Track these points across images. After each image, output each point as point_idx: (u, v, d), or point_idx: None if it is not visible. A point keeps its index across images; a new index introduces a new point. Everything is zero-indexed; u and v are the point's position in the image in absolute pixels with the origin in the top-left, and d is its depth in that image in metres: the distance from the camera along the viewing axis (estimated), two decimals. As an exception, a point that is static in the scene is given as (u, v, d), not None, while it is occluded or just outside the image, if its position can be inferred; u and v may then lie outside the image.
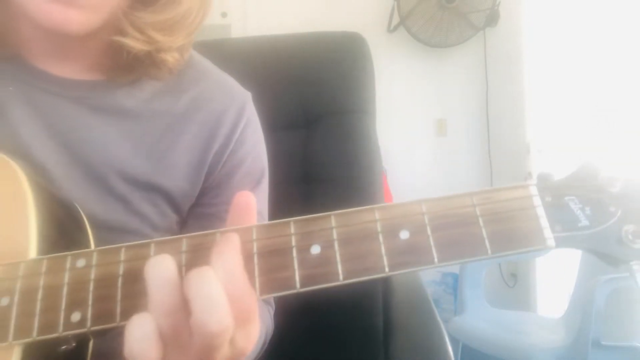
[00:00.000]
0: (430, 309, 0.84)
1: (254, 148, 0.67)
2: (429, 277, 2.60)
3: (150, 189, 0.60)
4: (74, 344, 0.40)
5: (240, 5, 2.56)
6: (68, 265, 0.39)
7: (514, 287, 2.59)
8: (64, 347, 0.39)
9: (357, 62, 0.96)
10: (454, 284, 2.55)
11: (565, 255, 2.15)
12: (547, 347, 1.74)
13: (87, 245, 0.48)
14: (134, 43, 0.54)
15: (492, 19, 2.57)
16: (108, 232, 0.52)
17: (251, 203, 0.39)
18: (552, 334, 1.85)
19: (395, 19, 2.65)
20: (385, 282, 0.90)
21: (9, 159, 0.46)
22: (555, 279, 2.32)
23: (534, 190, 0.38)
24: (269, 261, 0.37)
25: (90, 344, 0.42)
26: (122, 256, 0.39)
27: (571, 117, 2.26)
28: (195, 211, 0.64)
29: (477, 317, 2.02)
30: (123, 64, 0.57)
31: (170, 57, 0.59)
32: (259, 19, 2.54)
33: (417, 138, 2.75)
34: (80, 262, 0.39)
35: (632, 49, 2.04)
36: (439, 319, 0.81)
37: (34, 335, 0.37)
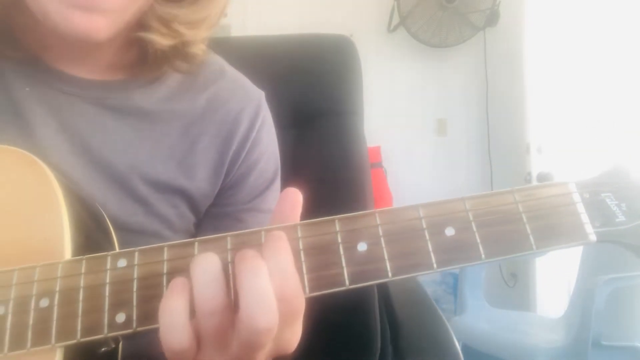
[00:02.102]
0: (432, 306, 0.84)
1: (268, 147, 0.66)
2: (429, 277, 2.59)
3: (171, 190, 0.59)
4: (113, 346, 0.39)
5: (240, 5, 2.56)
6: (108, 265, 0.38)
7: (514, 287, 2.59)
8: (104, 349, 0.39)
9: (346, 65, 0.97)
10: (454, 284, 2.55)
11: (565, 255, 2.15)
12: (547, 347, 1.74)
13: (112, 245, 0.47)
14: (160, 38, 0.53)
15: (492, 19, 2.57)
16: (127, 234, 0.52)
17: (298, 200, 0.39)
18: (552, 334, 1.85)
19: (395, 19, 2.65)
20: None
21: (37, 159, 0.45)
22: (555, 279, 2.32)
23: (573, 187, 0.38)
24: (316, 258, 0.37)
25: (120, 345, 0.42)
26: (165, 255, 0.38)
27: (571, 117, 2.26)
28: (210, 211, 0.64)
29: (477, 317, 2.02)
30: (150, 60, 0.56)
31: (199, 50, 0.58)
32: (259, 19, 2.54)
33: (417, 138, 2.76)
34: (122, 262, 0.38)
35: (633, 48, 2.04)
36: (442, 315, 0.81)
37: (78, 337, 0.36)
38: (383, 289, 0.90)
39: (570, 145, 2.26)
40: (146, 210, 0.58)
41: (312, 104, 0.96)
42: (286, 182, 0.88)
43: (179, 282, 0.36)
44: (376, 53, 2.61)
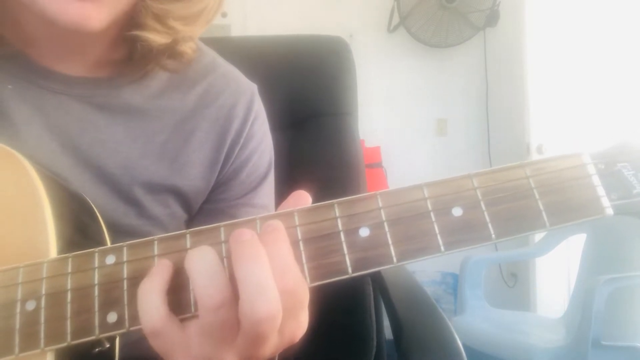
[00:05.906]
0: (433, 305, 0.84)
1: (262, 142, 0.65)
2: (429, 277, 2.59)
3: (164, 190, 0.58)
4: (108, 345, 0.38)
5: (240, 5, 2.56)
6: (96, 263, 0.36)
7: (514, 287, 2.59)
8: (97, 349, 0.38)
9: (342, 66, 0.97)
10: (454, 284, 2.55)
11: (565, 255, 2.15)
12: (547, 347, 1.73)
13: (103, 238, 0.45)
14: (155, 36, 0.51)
15: (492, 19, 2.57)
16: (118, 236, 0.50)
17: (308, 203, 0.38)
18: (552, 334, 1.85)
19: (395, 19, 2.65)
20: (376, 281, 0.90)
21: (15, 152, 0.43)
22: (555, 279, 2.32)
23: (587, 158, 0.36)
24: (316, 247, 0.36)
25: (117, 343, 0.41)
26: (156, 250, 0.36)
27: (571, 117, 2.26)
28: (201, 208, 0.63)
29: (477, 317, 2.01)
30: (137, 57, 0.55)
31: (189, 48, 0.57)
32: (259, 19, 2.54)
33: (417, 138, 2.75)
34: (110, 259, 0.37)
35: (633, 48, 2.04)
36: (443, 314, 0.82)
37: (68, 340, 0.35)
38: (383, 289, 0.91)
39: (570, 146, 2.26)
40: (138, 212, 0.57)
41: (306, 104, 0.96)
42: (281, 182, 0.89)
43: (159, 263, 0.35)
44: (376, 53, 2.61)
